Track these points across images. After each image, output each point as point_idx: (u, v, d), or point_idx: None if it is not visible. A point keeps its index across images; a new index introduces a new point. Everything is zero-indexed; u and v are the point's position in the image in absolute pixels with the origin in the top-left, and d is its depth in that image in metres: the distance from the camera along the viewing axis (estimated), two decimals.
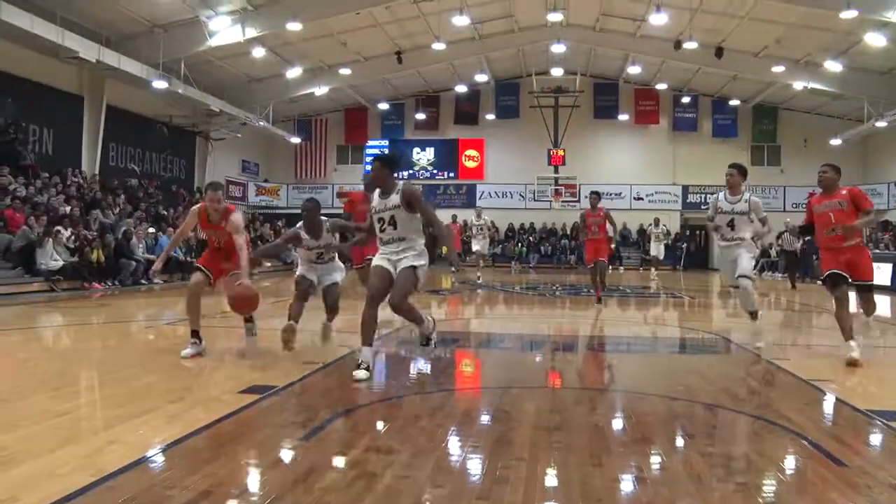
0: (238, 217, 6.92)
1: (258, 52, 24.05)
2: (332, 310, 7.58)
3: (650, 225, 23.88)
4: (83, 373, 6.30)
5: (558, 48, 27.21)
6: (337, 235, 7.52)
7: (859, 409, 4.99)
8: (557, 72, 30.37)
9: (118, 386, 4.62)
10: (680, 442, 4.26)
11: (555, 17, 24.23)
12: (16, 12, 16.53)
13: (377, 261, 6.01)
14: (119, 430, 4.17)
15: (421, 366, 6.89)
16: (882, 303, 9.90)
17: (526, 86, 32.10)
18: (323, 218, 7.34)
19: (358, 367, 5.71)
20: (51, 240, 15.43)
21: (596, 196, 12.82)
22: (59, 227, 16.21)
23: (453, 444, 4.09)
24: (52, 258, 15.26)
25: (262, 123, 28.06)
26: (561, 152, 30.91)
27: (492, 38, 27.54)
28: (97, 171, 21.79)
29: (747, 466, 3.75)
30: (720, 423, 4.77)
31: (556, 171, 30.95)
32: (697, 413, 5.00)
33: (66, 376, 5.98)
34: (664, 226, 23.90)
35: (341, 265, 7.75)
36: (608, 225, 12.58)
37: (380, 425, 4.50)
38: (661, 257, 23.48)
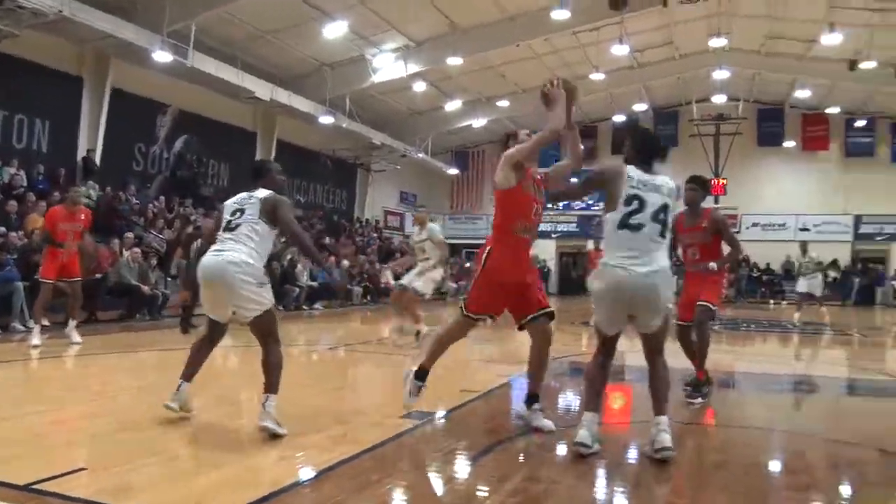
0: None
1: (419, 87, 24.89)
2: None
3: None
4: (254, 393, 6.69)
5: (720, 74, 26.49)
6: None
7: None
8: (719, 98, 29.45)
9: (288, 406, 4.91)
10: (854, 490, 4.03)
11: (717, 42, 23.62)
12: (203, 58, 18.08)
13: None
14: (288, 447, 4.41)
15: (571, 398, 6.86)
16: None
17: (686, 114, 31.36)
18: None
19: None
20: None
21: (694, 189, 6.49)
22: None
23: (615, 479, 4.08)
24: None
25: (420, 155, 28.95)
26: (722, 181, 29.89)
27: (651, 66, 27.13)
28: None
29: None
30: None
31: (717, 200, 29.74)
32: (874, 460, 4.66)
33: (240, 394, 6.40)
34: (813, 255, 17.82)
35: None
36: (722, 244, 6.55)
37: (540, 457, 4.52)
38: (818, 293, 17.65)
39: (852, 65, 23.55)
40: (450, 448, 4.57)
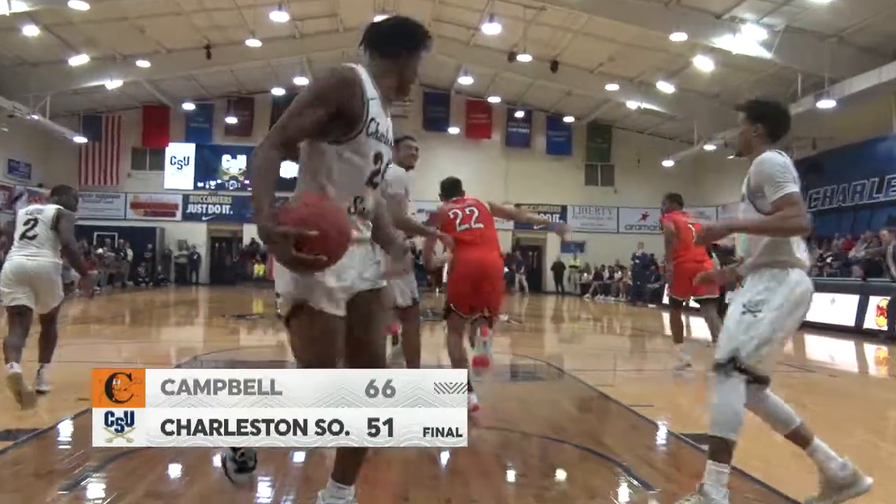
0: None
1: (31, 31, 20.06)
2: None
3: None
4: None
5: None
6: None
7: (673, 433, 5.20)
8: None
9: None
10: (494, 472, 4.29)
11: (381, 18, 22.08)
12: None
13: None
14: None
15: None
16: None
17: None
18: None
19: None
20: None
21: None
22: None
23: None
24: None
25: (35, 117, 23.54)
26: None
27: (314, 37, 25.26)
28: None
29: (559, 495, 3.85)
30: (537, 453, 4.84)
31: None
32: (514, 442, 5.06)
33: None
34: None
35: None
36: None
37: (163, 469, 4.06)
38: None
39: (511, 56, 23.86)
40: (46, 470, 3.97)
